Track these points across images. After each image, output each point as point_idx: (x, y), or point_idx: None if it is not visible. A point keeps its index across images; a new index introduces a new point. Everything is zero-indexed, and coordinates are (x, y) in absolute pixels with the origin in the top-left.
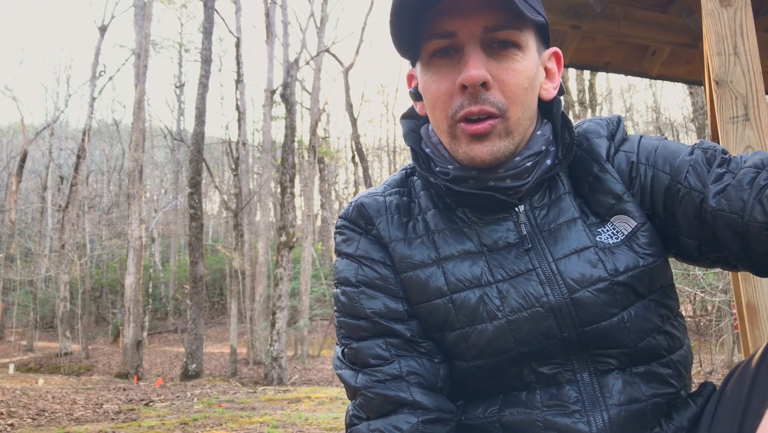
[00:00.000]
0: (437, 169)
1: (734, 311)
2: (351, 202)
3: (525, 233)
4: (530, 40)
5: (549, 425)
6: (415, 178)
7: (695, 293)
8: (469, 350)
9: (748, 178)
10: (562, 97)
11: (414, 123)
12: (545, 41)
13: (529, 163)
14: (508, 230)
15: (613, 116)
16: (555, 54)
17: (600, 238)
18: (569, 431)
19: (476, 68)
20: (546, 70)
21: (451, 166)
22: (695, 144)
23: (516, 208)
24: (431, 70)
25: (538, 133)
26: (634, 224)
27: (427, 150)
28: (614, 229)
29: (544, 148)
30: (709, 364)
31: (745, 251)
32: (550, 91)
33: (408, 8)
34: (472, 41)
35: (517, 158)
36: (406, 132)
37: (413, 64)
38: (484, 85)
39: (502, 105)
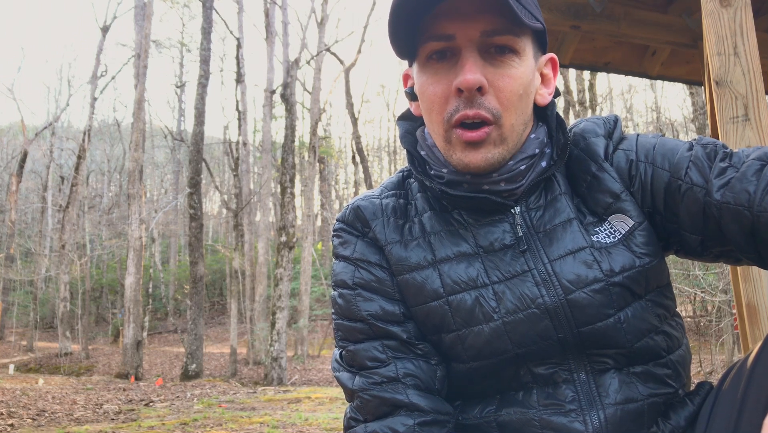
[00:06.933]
0: (432, 172)
1: (734, 311)
2: (348, 206)
3: (521, 234)
4: (527, 46)
5: (545, 424)
6: (412, 180)
7: (695, 293)
8: (465, 351)
9: (753, 169)
10: (558, 99)
11: (410, 125)
12: (542, 47)
13: (522, 167)
14: (504, 231)
15: (609, 115)
16: (551, 60)
17: (597, 237)
18: (565, 430)
19: (473, 72)
20: (542, 75)
21: (445, 170)
22: (693, 140)
23: (512, 210)
24: (428, 72)
25: (532, 136)
26: (631, 222)
27: (423, 153)
28: (611, 228)
29: (537, 150)
30: (709, 364)
31: (752, 243)
32: (545, 97)
33: (407, 9)
34: (469, 45)
35: (511, 162)
36: (402, 134)
37: (410, 65)
38: (480, 89)
39: (496, 111)
